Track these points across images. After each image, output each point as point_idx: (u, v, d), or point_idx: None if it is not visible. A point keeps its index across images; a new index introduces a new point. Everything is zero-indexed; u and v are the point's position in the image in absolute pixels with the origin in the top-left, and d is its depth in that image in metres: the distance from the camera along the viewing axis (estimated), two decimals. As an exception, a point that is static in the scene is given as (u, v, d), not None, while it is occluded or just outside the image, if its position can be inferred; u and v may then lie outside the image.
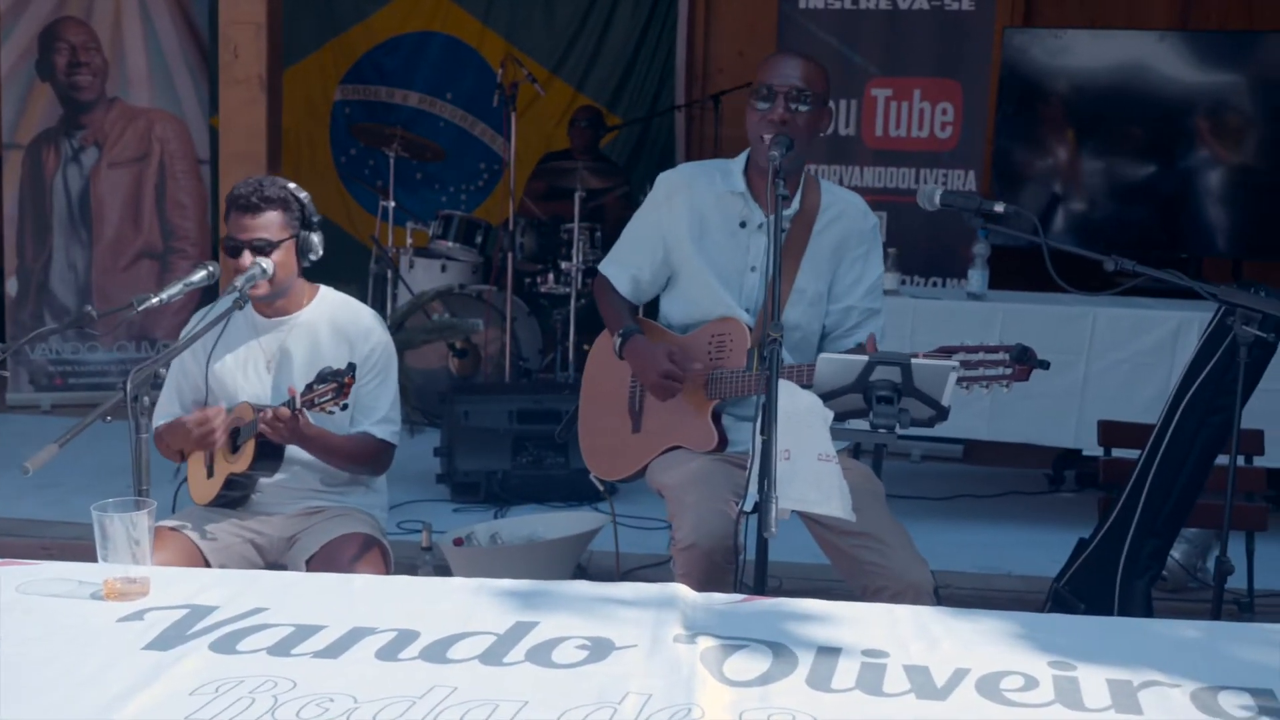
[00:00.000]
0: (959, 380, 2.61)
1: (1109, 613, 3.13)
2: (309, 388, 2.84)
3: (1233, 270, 6.08)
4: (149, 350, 6.52)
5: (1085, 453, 4.91)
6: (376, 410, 3.17)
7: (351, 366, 2.84)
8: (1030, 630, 2.08)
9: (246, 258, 2.98)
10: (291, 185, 3.10)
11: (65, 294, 6.42)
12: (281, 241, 3.02)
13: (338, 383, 2.81)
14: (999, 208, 2.73)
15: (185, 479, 3.28)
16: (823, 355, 2.62)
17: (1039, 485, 5.53)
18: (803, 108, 2.97)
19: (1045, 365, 2.62)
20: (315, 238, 3.09)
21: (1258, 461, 3.56)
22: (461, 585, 2.21)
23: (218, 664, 1.84)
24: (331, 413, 2.88)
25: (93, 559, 2.11)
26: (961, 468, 5.80)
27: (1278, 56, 5.82)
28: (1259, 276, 5.94)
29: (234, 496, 3.15)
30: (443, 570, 4.07)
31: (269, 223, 3.00)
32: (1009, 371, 2.62)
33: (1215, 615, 2.65)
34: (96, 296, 6.36)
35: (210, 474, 3.16)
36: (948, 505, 5.19)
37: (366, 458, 3.17)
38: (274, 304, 3.11)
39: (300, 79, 7.55)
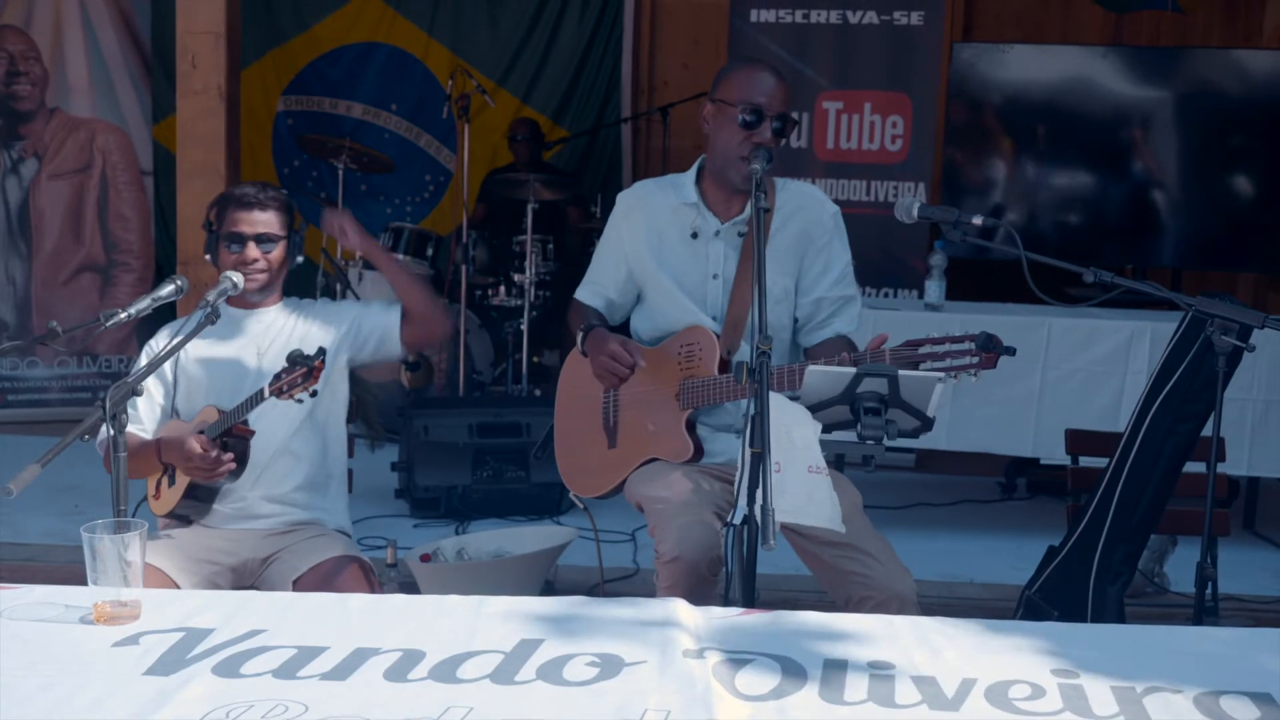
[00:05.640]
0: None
1: (1082, 619, 3.17)
2: (277, 376, 2.84)
3: (1172, 280, 6.20)
4: (90, 366, 6.39)
5: (1043, 461, 4.97)
6: (374, 303, 3.36)
7: (321, 351, 2.84)
8: (1027, 638, 2.09)
9: (251, 249, 3.11)
10: (284, 191, 3.24)
11: (3, 308, 6.29)
12: (280, 239, 3.16)
13: (307, 367, 2.79)
14: (978, 220, 2.76)
15: (145, 496, 3.21)
16: (811, 367, 2.61)
17: (992, 493, 5.61)
18: (783, 130, 3.02)
19: (1011, 351, 2.63)
20: (299, 243, 3.25)
21: (1220, 468, 3.62)
22: (460, 603, 2.18)
23: (224, 688, 1.80)
24: (300, 400, 2.87)
25: (47, 580, 2.07)
26: (915, 476, 5.85)
27: (1214, 71, 5.95)
28: (1197, 285, 6.08)
29: (197, 505, 3.10)
30: (408, 587, 4.02)
31: (273, 220, 3.15)
32: (976, 360, 2.64)
33: (1197, 620, 2.70)
34: (36, 310, 6.24)
35: (172, 481, 3.10)
36: (904, 514, 5.24)
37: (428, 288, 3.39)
38: (250, 298, 3.17)
39: (242, 89, 7.43)
